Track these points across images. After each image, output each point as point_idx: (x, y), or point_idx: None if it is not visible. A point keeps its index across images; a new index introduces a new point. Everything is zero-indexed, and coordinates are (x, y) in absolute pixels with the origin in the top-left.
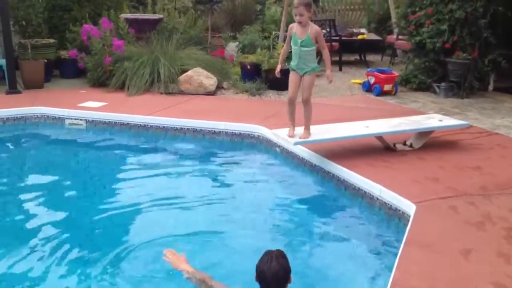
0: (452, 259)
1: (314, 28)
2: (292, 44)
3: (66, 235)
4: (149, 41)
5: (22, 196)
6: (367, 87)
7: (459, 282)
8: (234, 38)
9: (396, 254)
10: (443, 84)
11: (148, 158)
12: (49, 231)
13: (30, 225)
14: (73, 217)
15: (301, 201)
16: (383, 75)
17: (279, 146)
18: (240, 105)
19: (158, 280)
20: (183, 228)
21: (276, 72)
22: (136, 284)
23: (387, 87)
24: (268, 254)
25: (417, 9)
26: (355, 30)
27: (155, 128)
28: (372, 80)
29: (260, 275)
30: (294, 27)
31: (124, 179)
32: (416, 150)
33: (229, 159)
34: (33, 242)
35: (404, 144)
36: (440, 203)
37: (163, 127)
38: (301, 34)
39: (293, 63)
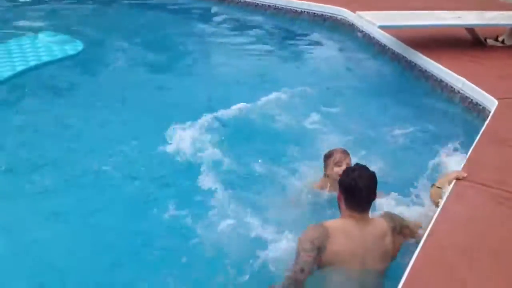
0: None
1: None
2: None
3: None
4: None
5: None
6: None
7: None
8: None
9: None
10: None
11: (230, 35)
12: None
13: None
14: None
15: (378, 89)
16: None
17: (362, 31)
18: None
19: None
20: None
21: None
22: None
23: None
24: (352, 168)
25: None
26: None
27: (236, 3)
28: None
29: (349, 187)
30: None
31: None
32: (508, 47)
33: (308, 40)
34: None
35: (496, 39)
36: None
37: (245, 1)
38: None
39: None
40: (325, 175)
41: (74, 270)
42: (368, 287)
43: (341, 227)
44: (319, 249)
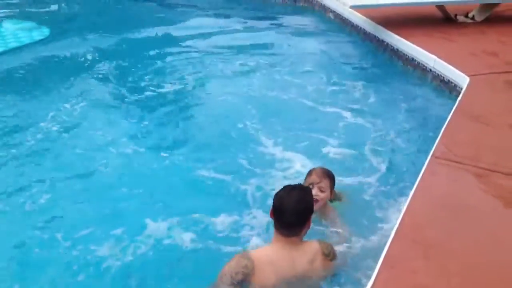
0: (500, 131)
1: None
2: None
3: None
4: None
5: None
6: None
7: (505, 151)
8: None
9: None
10: None
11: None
12: None
13: None
14: None
15: (351, 69)
16: None
17: (333, 11)
18: None
19: None
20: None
21: None
22: None
23: None
24: (288, 187)
25: None
26: None
27: None
28: None
29: (276, 206)
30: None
31: None
32: (478, 23)
33: (280, 22)
34: None
35: (466, 16)
36: (496, 78)
37: None
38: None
39: None
40: None
41: None
42: None
43: (267, 257)
44: (242, 283)
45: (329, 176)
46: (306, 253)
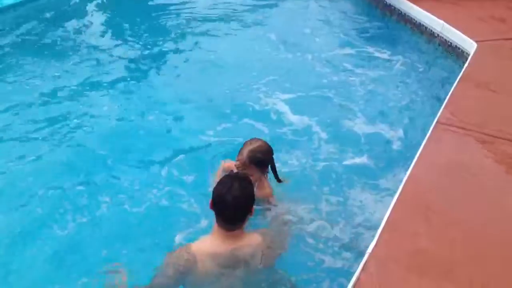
0: (506, 97)
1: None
2: None
3: None
4: None
5: None
6: None
7: (510, 118)
8: None
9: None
10: None
11: None
12: None
13: None
14: None
15: (357, 34)
16: None
17: None
18: None
19: None
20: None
21: None
22: None
23: None
24: (229, 177)
25: None
26: None
27: None
28: None
29: (218, 198)
30: None
31: None
32: None
33: None
34: None
35: None
36: (503, 44)
37: None
38: None
39: None
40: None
41: None
42: None
43: (208, 249)
44: (184, 274)
45: (255, 162)
46: (247, 247)
